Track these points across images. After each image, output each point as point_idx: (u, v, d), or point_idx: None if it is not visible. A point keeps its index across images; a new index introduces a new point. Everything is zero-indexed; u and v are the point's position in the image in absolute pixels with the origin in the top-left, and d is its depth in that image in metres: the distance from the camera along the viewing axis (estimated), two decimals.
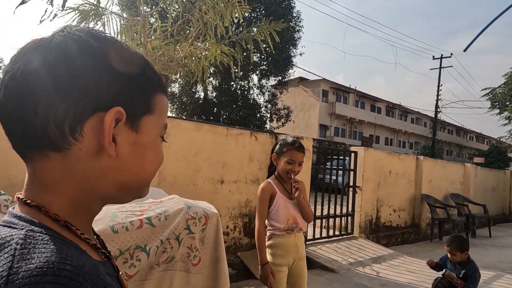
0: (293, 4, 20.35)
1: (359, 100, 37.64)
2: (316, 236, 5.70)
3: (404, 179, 7.52)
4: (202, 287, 1.88)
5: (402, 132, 42.36)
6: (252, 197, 4.80)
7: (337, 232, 6.14)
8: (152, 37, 6.29)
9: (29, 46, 0.49)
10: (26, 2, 4.53)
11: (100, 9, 5.25)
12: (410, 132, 43.15)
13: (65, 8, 4.75)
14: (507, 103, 20.89)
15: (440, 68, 25.12)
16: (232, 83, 20.64)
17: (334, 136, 33.71)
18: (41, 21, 4.68)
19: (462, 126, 43.28)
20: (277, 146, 2.37)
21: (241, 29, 6.43)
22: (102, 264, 0.50)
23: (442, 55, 25.36)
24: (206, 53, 6.27)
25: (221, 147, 4.47)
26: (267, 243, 2.32)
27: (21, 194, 0.50)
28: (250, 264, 4.38)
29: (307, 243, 5.23)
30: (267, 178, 2.43)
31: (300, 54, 26.71)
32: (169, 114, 17.79)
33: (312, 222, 4.68)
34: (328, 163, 6.39)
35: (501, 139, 27.14)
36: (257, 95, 22.05)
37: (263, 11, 19.04)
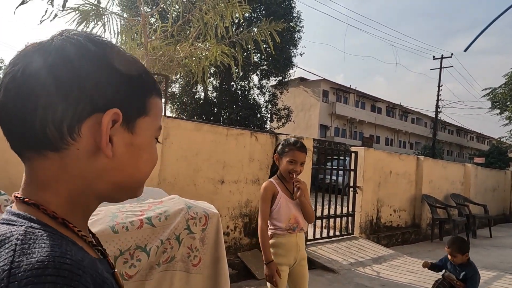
0: (293, 4, 20.37)
1: (359, 100, 37.63)
2: (316, 236, 5.69)
3: (404, 179, 7.52)
4: (202, 287, 1.88)
5: (403, 132, 42.35)
6: (253, 197, 4.80)
7: (337, 232, 6.13)
8: (153, 37, 6.29)
9: (28, 49, 0.50)
10: (27, 2, 4.54)
11: (100, 9, 5.25)
12: (410, 132, 43.13)
13: (65, 8, 4.75)
14: (508, 103, 20.87)
15: (441, 68, 25.12)
16: (233, 83, 20.65)
17: (335, 136, 33.70)
18: (41, 21, 4.68)
19: (462, 126, 43.26)
20: (280, 146, 2.39)
21: (242, 29, 6.43)
22: (98, 261, 0.52)
23: (442, 55, 25.36)
24: (207, 53, 6.27)
25: (222, 147, 4.46)
26: None
27: (18, 193, 0.51)
28: (251, 264, 4.38)
29: (307, 243, 5.23)
30: (270, 178, 2.45)
31: (301, 54, 26.78)
32: (169, 114, 17.81)
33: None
34: (329, 163, 6.39)
35: (502, 139, 27.10)
36: (257, 95, 22.09)
37: (264, 11, 19.05)
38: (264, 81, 21.92)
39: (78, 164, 0.49)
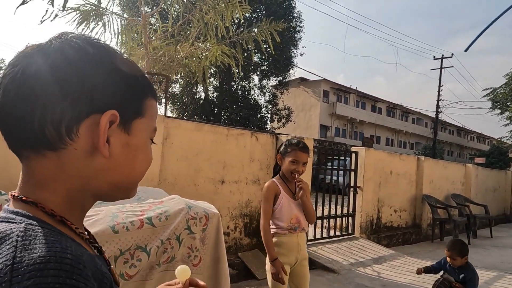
0: (293, 5, 20.38)
1: (359, 101, 37.61)
2: (317, 237, 5.69)
3: (405, 179, 7.51)
4: None
5: (403, 133, 42.33)
6: (253, 197, 4.80)
7: (338, 233, 6.13)
8: (153, 37, 6.29)
9: (27, 50, 0.51)
10: (27, 2, 4.54)
11: (101, 9, 5.25)
12: (411, 133, 43.12)
13: (66, 9, 4.75)
14: (508, 103, 20.85)
15: (441, 68, 25.11)
16: (233, 83, 20.66)
17: (335, 136, 33.68)
18: (41, 21, 4.68)
19: (463, 126, 43.24)
20: (282, 147, 2.41)
21: (242, 29, 6.43)
22: (96, 257, 0.53)
23: (443, 55, 25.35)
24: (207, 53, 6.27)
25: (222, 147, 4.46)
26: None
27: (15, 192, 0.52)
28: (251, 264, 4.37)
29: (308, 243, 5.22)
30: (272, 178, 2.48)
31: (301, 55, 26.79)
32: (169, 114, 17.80)
33: None
34: (329, 164, 6.38)
35: (502, 140, 27.08)
36: (257, 95, 22.10)
37: (264, 12, 19.06)
38: (264, 81, 21.94)
39: (75, 163, 0.51)
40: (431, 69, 27.02)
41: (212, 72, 17.33)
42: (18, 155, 0.52)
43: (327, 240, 5.81)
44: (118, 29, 5.47)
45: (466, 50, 8.57)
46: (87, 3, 5.13)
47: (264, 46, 6.93)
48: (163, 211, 1.81)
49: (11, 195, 0.51)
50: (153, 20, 10.54)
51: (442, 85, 25.31)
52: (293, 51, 21.00)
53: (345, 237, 6.12)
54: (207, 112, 20.20)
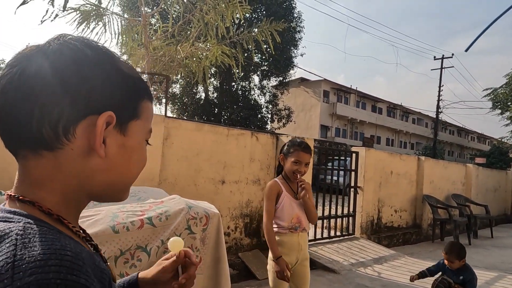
0: (294, 5, 20.37)
1: (360, 101, 37.61)
2: (317, 237, 5.68)
3: (405, 179, 7.51)
4: (203, 287, 1.87)
5: (404, 133, 42.31)
6: (253, 197, 4.80)
7: (338, 233, 6.12)
8: (153, 37, 6.29)
9: (26, 51, 0.52)
10: (27, 2, 4.54)
11: (101, 9, 5.25)
12: (411, 133, 43.10)
13: (66, 9, 4.75)
14: (509, 103, 20.83)
15: (441, 68, 25.09)
16: (233, 83, 20.66)
17: (335, 136, 33.68)
18: (42, 22, 4.68)
19: (463, 126, 43.21)
20: (285, 147, 2.44)
21: (242, 29, 6.43)
22: (94, 254, 0.53)
23: (443, 55, 25.33)
24: (207, 53, 6.27)
25: (222, 148, 4.46)
26: None
27: (11, 191, 0.53)
28: (251, 264, 4.37)
29: (308, 243, 5.21)
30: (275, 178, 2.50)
31: (301, 55, 26.79)
32: (169, 114, 17.80)
33: None
34: (329, 164, 6.38)
35: (503, 140, 27.07)
36: (258, 95, 22.09)
37: (264, 12, 19.06)
38: (264, 82, 21.93)
39: (72, 163, 0.51)
40: (432, 69, 27.00)
41: (213, 72, 17.34)
42: (16, 155, 0.53)
43: (328, 240, 5.80)
44: (118, 29, 5.47)
45: (466, 50, 8.56)
46: (87, 3, 5.14)
47: (265, 46, 6.93)
48: (163, 211, 1.81)
49: (8, 194, 0.52)
50: (153, 20, 10.55)
51: (443, 85, 25.30)
52: (294, 51, 21.00)
53: (345, 237, 6.11)
54: (207, 112, 20.20)
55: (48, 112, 0.48)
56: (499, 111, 21.77)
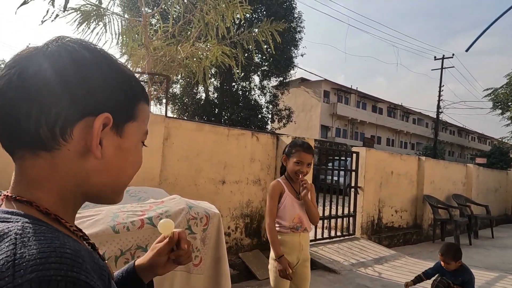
0: (294, 5, 20.37)
1: (360, 101, 37.60)
2: (318, 237, 5.68)
3: (406, 179, 7.50)
4: (203, 287, 1.87)
5: (404, 133, 42.30)
6: (254, 197, 4.80)
7: (338, 233, 6.12)
8: (154, 37, 6.29)
9: (24, 53, 0.53)
10: (28, 2, 4.54)
11: (101, 10, 5.26)
12: (411, 133, 43.08)
13: (66, 9, 4.75)
14: (509, 103, 20.84)
15: (442, 68, 25.08)
16: (234, 84, 20.66)
17: (336, 136, 33.67)
18: (42, 22, 4.68)
19: (464, 126, 43.21)
20: (287, 148, 2.47)
21: (243, 29, 6.43)
22: (92, 252, 0.54)
23: (443, 55, 25.32)
24: (208, 53, 6.27)
25: (223, 148, 4.46)
26: None
27: (7, 192, 0.53)
28: (252, 265, 4.37)
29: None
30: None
31: (302, 55, 26.83)
32: (170, 114, 17.82)
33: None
34: (330, 164, 6.37)
35: (503, 140, 27.06)
36: (258, 95, 22.09)
37: (264, 12, 19.06)
38: (265, 82, 21.93)
39: (68, 164, 0.52)
40: (432, 69, 27.00)
41: (213, 72, 17.34)
42: (13, 155, 0.53)
43: (328, 240, 5.80)
44: (118, 29, 5.47)
45: (467, 50, 8.56)
46: (88, 4, 5.14)
47: (265, 46, 6.93)
48: (163, 211, 1.81)
49: (4, 195, 0.53)
50: (153, 21, 10.56)
51: (443, 85, 25.30)
52: (294, 52, 21.01)
53: (346, 237, 6.11)
54: (207, 112, 20.21)
55: (46, 112, 0.49)
56: (500, 111, 21.78)
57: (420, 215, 7.76)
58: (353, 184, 6.37)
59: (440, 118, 26.49)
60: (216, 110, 20.61)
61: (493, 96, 21.71)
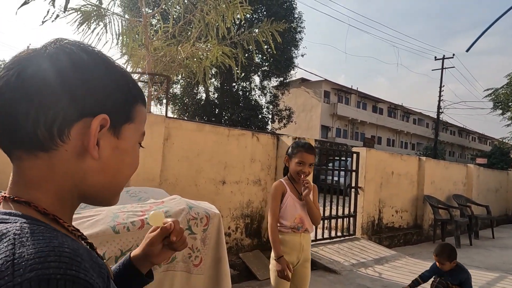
0: (294, 5, 20.38)
1: (360, 101, 37.59)
2: (318, 237, 5.68)
3: (406, 180, 7.50)
4: None
5: (404, 133, 42.28)
6: (254, 198, 4.79)
7: (339, 233, 6.12)
8: (154, 38, 6.29)
9: (23, 55, 0.53)
10: (29, 2, 4.55)
11: (102, 10, 5.26)
12: (412, 133, 43.06)
13: (67, 9, 4.75)
14: (510, 103, 20.83)
15: (442, 68, 25.07)
16: (234, 84, 20.66)
17: (336, 137, 33.67)
18: (43, 22, 4.68)
19: (464, 127, 43.19)
20: (289, 148, 2.49)
21: (243, 30, 6.43)
22: (91, 251, 0.54)
23: (444, 55, 25.32)
24: (208, 54, 6.27)
25: (223, 148, 4.46)
26: None
27: (5, 192, 0.53)
28: (252, 265, 4.37)
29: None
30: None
31: (302, 55, 26.75)
32: (170, 115, 17.82)
33: None
34: (330, 164, 6.37)
35: (504, 140, 27.04)
36: (258, 96, 22.09)
37: (265, 12, 19.07)
38: (265, 82, 21.93)
39: (66, 164, 0.53)
40: (432, 70, 26.98)
41: (213, 72, 17.34)
42: (10, 156, 0.54)
43: (329, 240, 5.80)
44: (119, 29, 5.47)
45: (467, 51, 8.56)
46: (88, 4, 5.14)
47: (265, 46, 6.93)
48: (164, 211, 1.81)
49: (2, 196, 0.53)
50: (154, 21, 10.55)
51: (443, 86, 25.30)
52: (294, 52, 21.00)
53: (346, 237, 6.10)
54: (208, 112, 20.21)
55: (44, 113, 0.50)
56: (500, 111, 21.77)
57: (420, 215, 7.75)
58: (353, 184, 6.37)
59: (441, 118, 26.48)
60: (217, 110, 20.62)
61: (493, 96, 21.71)
